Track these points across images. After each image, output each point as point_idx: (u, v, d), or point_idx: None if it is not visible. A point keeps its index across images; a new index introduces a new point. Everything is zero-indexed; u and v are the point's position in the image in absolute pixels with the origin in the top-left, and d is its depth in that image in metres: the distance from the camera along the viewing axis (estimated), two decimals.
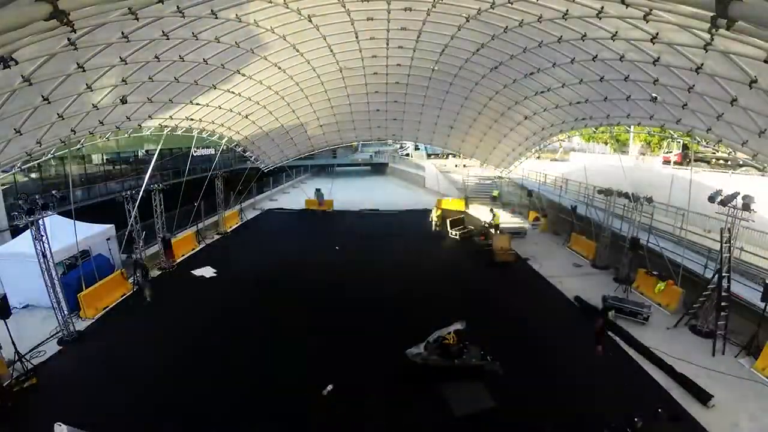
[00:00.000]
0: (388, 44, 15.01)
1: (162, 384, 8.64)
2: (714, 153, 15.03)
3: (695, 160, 15.65)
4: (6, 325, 8.87)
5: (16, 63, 6.39)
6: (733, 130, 10.59)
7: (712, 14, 4.28)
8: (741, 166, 15.03)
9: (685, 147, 21.02)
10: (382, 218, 24.58)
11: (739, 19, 4.09)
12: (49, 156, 12.71)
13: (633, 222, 13.95)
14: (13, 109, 8.74)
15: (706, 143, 12.76)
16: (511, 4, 10.07)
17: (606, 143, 34.09)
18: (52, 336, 10.41)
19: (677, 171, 17.94)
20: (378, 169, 50.91)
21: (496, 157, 25.86)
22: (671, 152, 22.58)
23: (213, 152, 30.13)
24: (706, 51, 7.55)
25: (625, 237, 14.28)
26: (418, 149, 45.87)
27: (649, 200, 13.60)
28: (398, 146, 54.26)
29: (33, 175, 21.50)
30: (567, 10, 9.30)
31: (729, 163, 16.10)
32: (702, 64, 8.68)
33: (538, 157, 28.98)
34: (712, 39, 6.99)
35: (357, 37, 14.22)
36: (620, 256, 14.40)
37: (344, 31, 13.54)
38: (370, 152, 55.33)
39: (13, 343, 8.84)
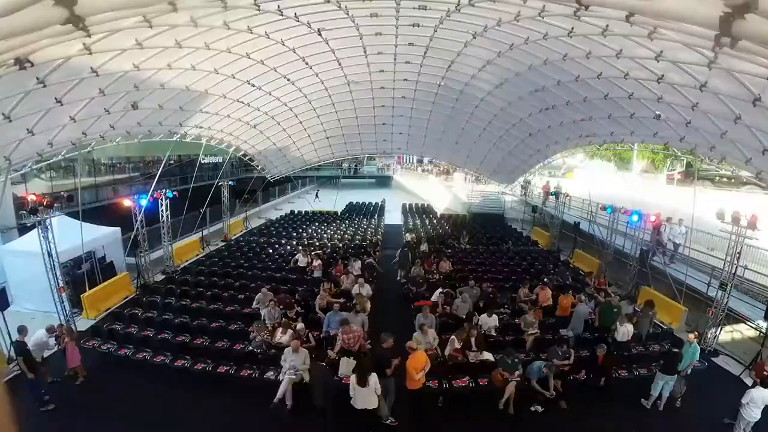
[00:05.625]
0: (395, 59, 15.23)
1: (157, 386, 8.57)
2: (718, 171, 15.02)
3: (699, 178, 15.62)
4: (4, 318, 8.95)
5: (32, 65, 6.56)
6: (737, 148, 10.62)
7: (715, 33, 4.33)
8: (745, 183, 15.03)
9: (689, 165, 21.04)
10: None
11: (743, 38, 4.14)
12: (60, 157, 12.90)
13: (635, 239, 13.92)
14: (27, 110, 8.93)
15: (710, 161, 12.80)
16: (518, 21, 10.23)
17: (610, 160, 34.18)
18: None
19: (680, 188, 17.93)
20: (383, 182, 51.19)
21: (500, 173, 25.97)
22: (675, 170, 22.60)
23: (220, 160, 30.63)
24: (710, 69, 7.63)
25: (629, 254, 14.21)
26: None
27: None
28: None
29: None
30: (572, 28, 9.43)
31: (733, 180, 16.09)
32: (706, 82, 8.76)
33: (549, 174, 29.11)
34: (716, 57, 7.09)
35: (365, 52, 14.46)
36: (623, 274, 14.32)
37: (353, 45, 13.76)
38: (375, 165, 55.81)
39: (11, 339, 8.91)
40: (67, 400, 8.13)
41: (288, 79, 15.49)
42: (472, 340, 8.82)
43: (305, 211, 28.00)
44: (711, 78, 8.56)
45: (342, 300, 11.03)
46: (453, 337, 8.86)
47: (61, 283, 10.36)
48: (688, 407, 8.40)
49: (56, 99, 9.26)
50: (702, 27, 4.83)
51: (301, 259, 15.23)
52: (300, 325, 9.10)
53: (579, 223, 18.99)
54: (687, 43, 7.08)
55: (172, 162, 29.06)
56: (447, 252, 17.30)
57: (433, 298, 11.24)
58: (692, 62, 8.14)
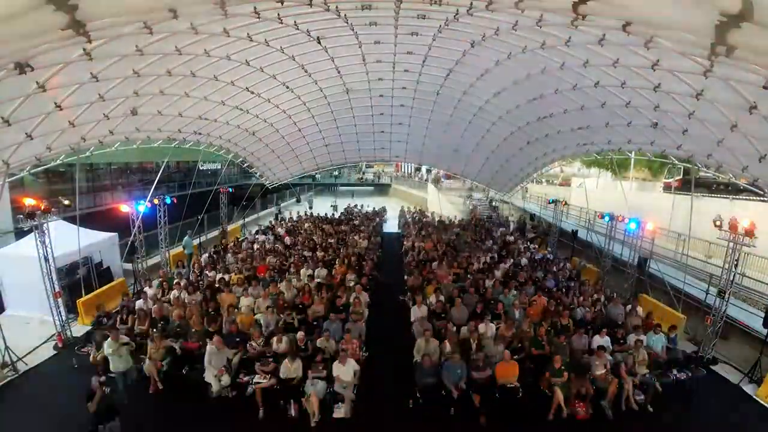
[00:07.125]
0: (394, 67, 15.32)
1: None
2: (715, 178, 15.12)
3: (696, 185, 15.71)
4: None
5: (32, 69, 6.57)
6: (734, 156, 10.67)
7: (711, 41, 4.37)
8: (741, 191, 15.13)
9: (686, 172, 21.19)
10: None
11: (739, 47, 4.18)
12: (58, 162, 12.88)
13: (633, 246, 13.95)
14: (26, 114, 8.91)
15: (707, 169, 12.87)
16: (516, 30, 10.33)
17: (607, 168, 34.35)
18: (49, 339, 10.43)
19: (678, 196, 18.01)
20: (381, 189, 51.34)
21: (498, 182, 26.05)
22: (672, 177, 22.77)
23: (219, 167, 30.74)
24: (706, 77, 7.70)
25: (627, 262, 14.22)
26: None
27: None
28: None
29: None
30: (570, 38, 9.52)
31: (730, 188, 16.21)
32: (702, 90, 8.84)
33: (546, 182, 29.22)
34: (712, 65, 7.16)
35: (364, 60, 14.53)
36: (621, 281, 14.32)
37: (352, 53, 13.85)
38: (373, 172, 56.12)
39: (7, 346, 8.83)
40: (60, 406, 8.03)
41: (287, 87, 15.56)
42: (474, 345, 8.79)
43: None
44: (707, 86, 8.64)
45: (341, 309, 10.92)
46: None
47: (57, 288, 10.30)
48: (686, 416, 8.35)
49: (56, 104, 9.26)
50: (698, 36, 4.91)
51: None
52: (300, 333, 9.07)
53: (576, 231, 19.02)
54: (683, 52, 7.15)
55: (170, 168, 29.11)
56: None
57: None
58: (688, 71, 8.20)
